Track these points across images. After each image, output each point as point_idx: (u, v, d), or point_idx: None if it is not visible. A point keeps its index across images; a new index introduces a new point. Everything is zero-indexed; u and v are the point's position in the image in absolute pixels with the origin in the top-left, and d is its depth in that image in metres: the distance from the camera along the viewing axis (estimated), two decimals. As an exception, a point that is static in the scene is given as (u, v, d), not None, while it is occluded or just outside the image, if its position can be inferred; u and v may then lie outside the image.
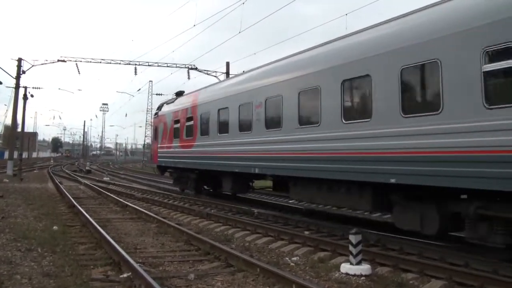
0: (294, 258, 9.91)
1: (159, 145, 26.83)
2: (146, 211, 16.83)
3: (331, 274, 8.58)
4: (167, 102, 27.20)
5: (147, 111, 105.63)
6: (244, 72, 19.52)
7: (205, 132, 20.18)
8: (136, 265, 8.26)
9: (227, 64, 40.70)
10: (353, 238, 8.60)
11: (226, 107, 18.16)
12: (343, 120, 11.67)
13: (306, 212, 16.62)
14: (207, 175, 21.82)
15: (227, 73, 39.17)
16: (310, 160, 12.75)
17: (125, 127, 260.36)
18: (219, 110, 18.82)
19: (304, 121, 13.30)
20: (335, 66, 12.14)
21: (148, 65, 44.80)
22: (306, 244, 11.10)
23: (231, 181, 19.15)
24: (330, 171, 12.06)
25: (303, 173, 13.19)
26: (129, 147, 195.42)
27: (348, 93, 11.84)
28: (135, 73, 45.91)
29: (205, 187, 23.73)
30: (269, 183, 18.89)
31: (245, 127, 16.66)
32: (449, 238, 10.80)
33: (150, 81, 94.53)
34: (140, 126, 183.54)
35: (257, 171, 15.71)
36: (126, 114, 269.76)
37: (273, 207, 18.80)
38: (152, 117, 27.98)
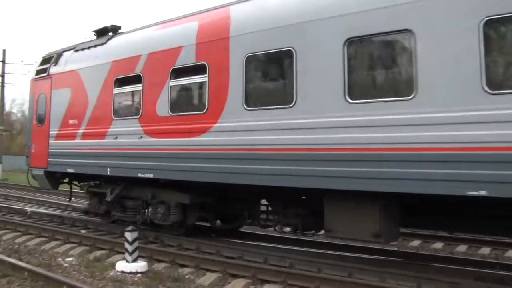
0: (69, 259, 9.55)
1: (53, 132, 13.33)
2: None
3: (106, 273, 8.45)
4: (76, 48, 13.56)
5: None
6: None
7: (264, 99, 8.88)
8: None
9: (4, 51, 37.39)
10: (129, 236, 8.61)
11: (407, 30, 7.04)
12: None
13: (83, 210, 15.81)
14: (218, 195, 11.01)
15: (3, 62, 35.93)
16: None
17: None
18: (349, 41, 7.65)
19: None
20: None
21: None
22: (83, 243, 10.78)
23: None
24: None
25: None
26: None
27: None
28: None
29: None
30: None
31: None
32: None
33: None
34: None
35: None
36: None
37: (49, 205, 17.70)
38: (31, 80, 14.83)
